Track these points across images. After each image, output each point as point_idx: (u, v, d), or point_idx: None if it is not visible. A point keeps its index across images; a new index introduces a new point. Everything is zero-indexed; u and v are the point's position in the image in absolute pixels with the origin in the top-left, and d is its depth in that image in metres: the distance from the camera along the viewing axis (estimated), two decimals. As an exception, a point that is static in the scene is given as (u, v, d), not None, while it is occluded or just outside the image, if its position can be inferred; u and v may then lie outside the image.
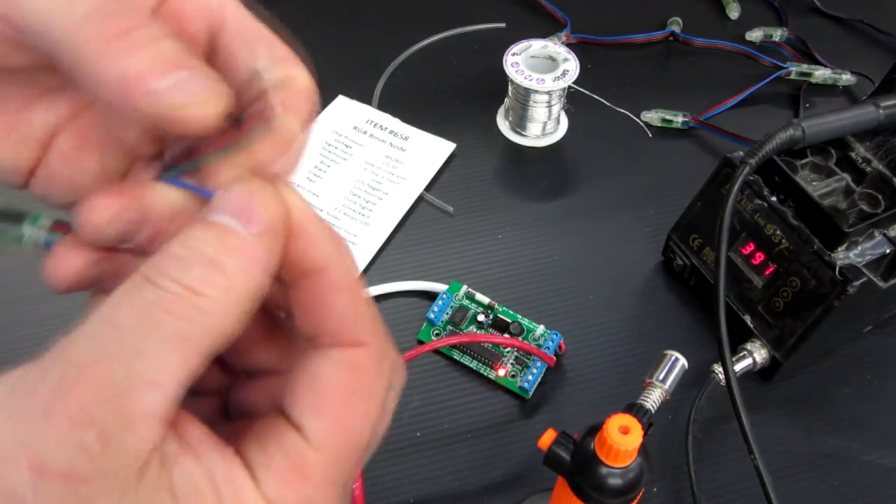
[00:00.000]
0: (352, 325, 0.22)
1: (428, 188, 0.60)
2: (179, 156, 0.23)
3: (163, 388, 0.18)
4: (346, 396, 0.21)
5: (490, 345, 0.50)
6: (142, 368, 0.18)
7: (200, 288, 0.19)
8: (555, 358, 0.50)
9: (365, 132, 0.63)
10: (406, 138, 0.62)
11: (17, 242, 0.22)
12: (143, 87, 0.19)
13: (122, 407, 0.17)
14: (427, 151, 0.62)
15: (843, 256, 0.45)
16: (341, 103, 0.65)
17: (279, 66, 0.22)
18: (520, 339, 0.51)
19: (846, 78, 0.68)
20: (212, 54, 0.23)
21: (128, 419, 0.17)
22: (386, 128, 0.63)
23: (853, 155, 0.48)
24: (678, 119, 0.64)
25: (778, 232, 0.47)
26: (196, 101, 0.20)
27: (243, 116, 0.22)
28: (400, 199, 0.59)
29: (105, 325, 0.18)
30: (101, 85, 0.19)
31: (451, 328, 0.52)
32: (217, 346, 0.19)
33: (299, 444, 0.20)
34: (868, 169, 0.47)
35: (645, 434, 0.34)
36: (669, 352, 0.40)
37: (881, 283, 0.45)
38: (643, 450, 0.34)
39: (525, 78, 0.59)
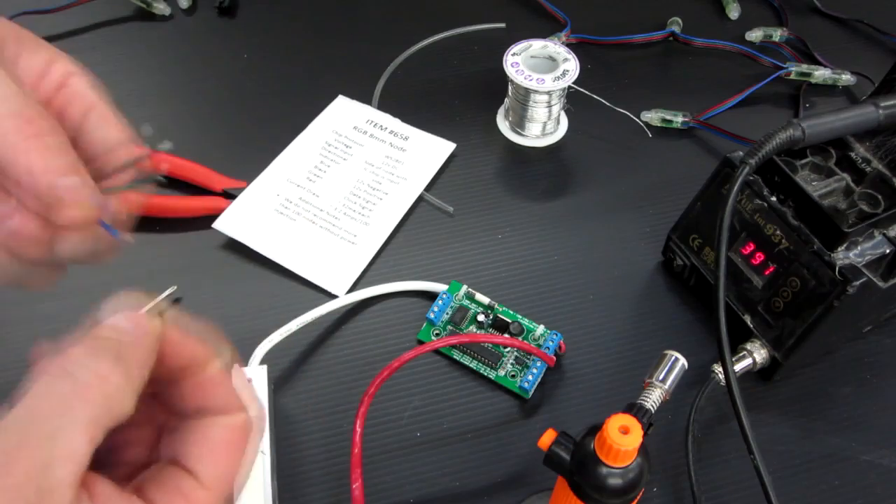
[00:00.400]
0: (232, 402, 0.29)
1: (428, 188, 0.60)
2: None
3: (76, 462, 0.23)
4: (231, 450, 0.28)
5: (490, 345, 0.50)
6: (58, 449, 0.23)
7: (108, 375, 0.25)
8: (555, 358, 0.50)
9: (365, 132, 0.63)
10: (406, 138, 0.62)
11: None
12: (46, 181, 0.28)
13: (44, 481, 0.23)
14: (427, 151, 0.62)
15: (843, 256, 0.45)
16: (341, 103, 0.65)
17: (122, 144, 0.32)
18: (520, 339, 0.51)
19: (846, 78, 0.68)
20: (79, 129, 0.31)
21: (49, 490, 0.23)
22: (386, 128, 0.63)
23: (853, 155, 0.48)
24: (678, 119, 0.64)
25: (778, 232, 0.47)
26: (79, 203, 0.28)
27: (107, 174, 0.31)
28: (400, 199, 0.59)
29: (28, 414, 0.24)
30: (12, 167, 0.27)
31: (451, 328, 0.52)
32: (117, 423, 0.25)
33: (193, 485, 0.27)
34: (868, 169, 0.47)
35: (645, 434, 0.34)
36: (669, 352, 0.40)
37: (881, 283, 0.45)
38: (643, 450, 0.34)
39: (525, 78, 0.59)
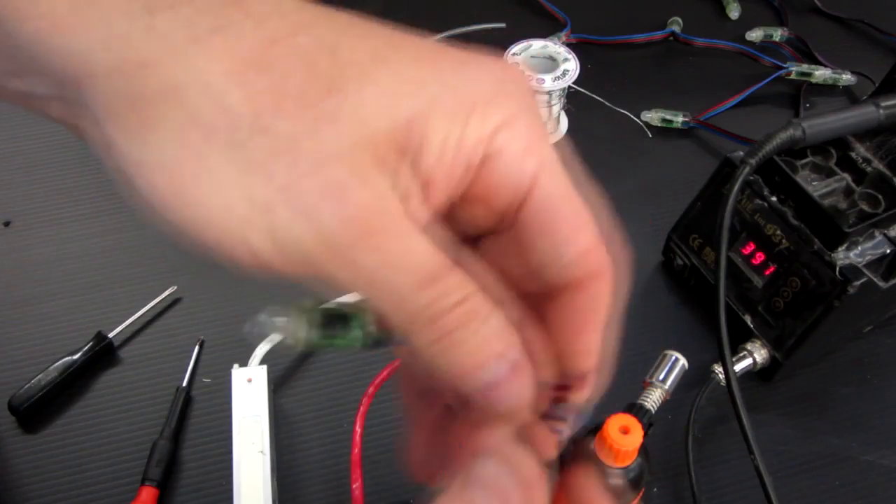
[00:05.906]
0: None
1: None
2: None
3: None
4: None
5: (490, 345, 0.50)
6: None
7: None
8: (555, 358, 0.50)
9: None
10: None
11: (348, 343, 0.22)
12: (468, 383, 0.20)
13: None
14: None
15: (844, 256, 0.45)
16: None
17: (579, 261, 0.21)
18: (520, 339, 0.51)
19: (846, 78, 0.68)
20: (511, 227, 0.21)
21: None
22: None
23: (853, 155, 0.48)
24: (678, 119, 0.64)
25: (778, 232, 0.47)
26: (509, 406, 0.21)
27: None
28: None
29: None
30: (420, 359, 0.20)
31: (451, 328, 0.51)
32: None
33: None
34: (868, 169, 0.47)
35: (645, 434, 0.34)
36: (669, 352, 0.40)
37: (881, 283, 0.45)
38: (643, 450, 0.34)
39: (525, 78, 0.59)
